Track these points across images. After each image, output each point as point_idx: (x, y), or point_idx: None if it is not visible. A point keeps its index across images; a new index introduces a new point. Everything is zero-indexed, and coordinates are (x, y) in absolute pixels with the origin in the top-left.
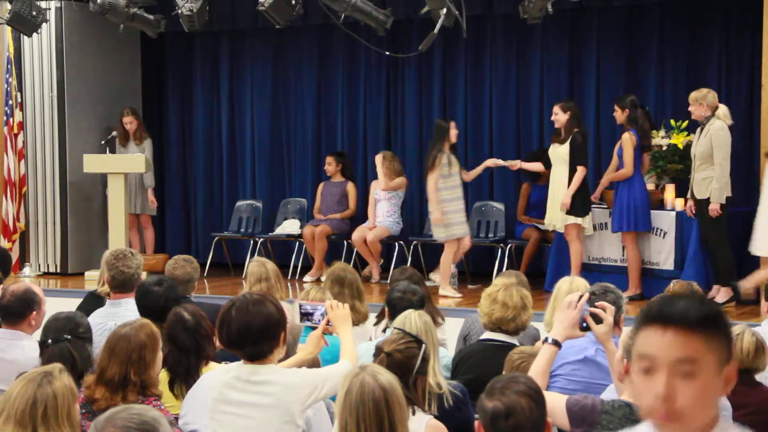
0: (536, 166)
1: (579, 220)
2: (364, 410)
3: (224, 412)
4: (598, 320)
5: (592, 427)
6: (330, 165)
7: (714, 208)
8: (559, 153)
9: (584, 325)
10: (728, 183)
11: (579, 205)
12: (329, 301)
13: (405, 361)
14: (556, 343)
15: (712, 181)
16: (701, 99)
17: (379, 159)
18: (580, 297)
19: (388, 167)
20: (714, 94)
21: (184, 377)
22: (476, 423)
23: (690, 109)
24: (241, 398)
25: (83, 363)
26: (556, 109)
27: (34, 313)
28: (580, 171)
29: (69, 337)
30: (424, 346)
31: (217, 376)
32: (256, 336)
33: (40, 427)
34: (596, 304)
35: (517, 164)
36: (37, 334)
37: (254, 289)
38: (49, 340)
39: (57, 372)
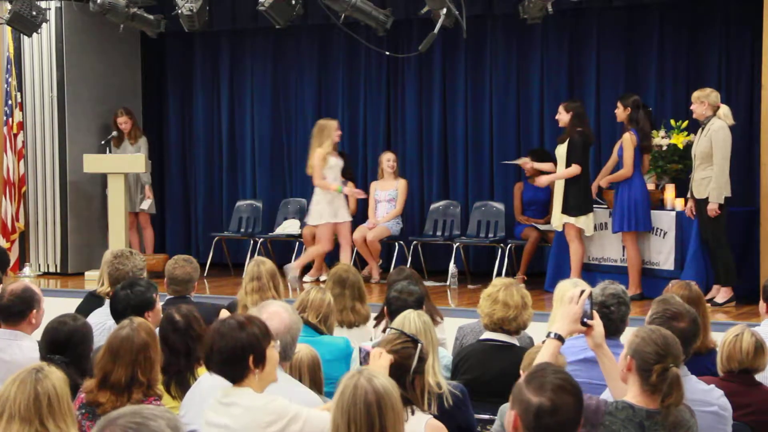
0: (547, 166)
1: (572, 220)
2: (355, 412)
3: None
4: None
5: (594, 428)
6: None
7: (712, 208)
8: (560, 152)
9: (584, 320)
10: (728, 183)
11: (573, 204)
12: (376, 349)
13: (401, 361)
14: (559, 338)
15: (711, 181)
16: (704, 98)
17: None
18: (582, 292)
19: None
20: (717, 94)
21: (176, 378)
22: (512, 413)
23: (692, 107)
24: (215, 420)
25: (81, 377)
26: (561, 108)
27: (34, 311)
28: (573, 168)
29: (64, 359)
30: (420, 345)
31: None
32: (218, 359)
33: (46, 419)
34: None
35: (527, 163)
36: (36, 334)
37: (248, 288)
38: (47, 356)
39: (47, 367)
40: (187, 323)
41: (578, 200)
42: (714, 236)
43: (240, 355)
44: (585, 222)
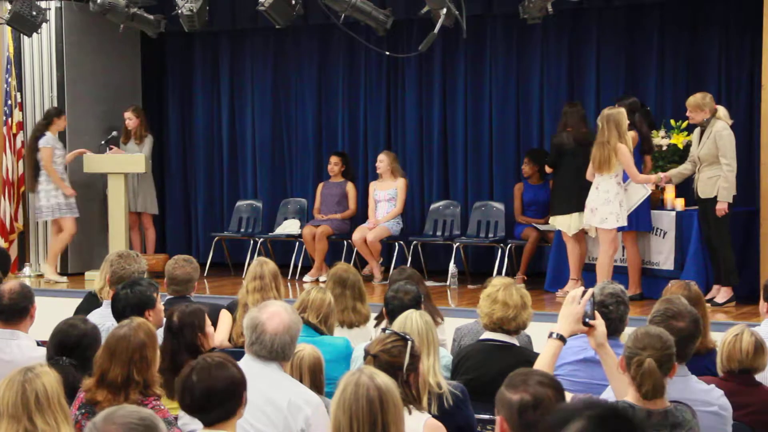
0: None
1: (550, 219)
2: (357, 408)
3: None
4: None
5: None
6: (336, 165)
7: (722, 207)
8: None
9: (586, 320)
10: (734, 182)
11: (553, 204)
12: None
13: (392, 360)
14: (561, 338)
15: (718, 180)
16: (702, 105)
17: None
18: (584, 292)
19: (392, 166)
20: (711, 97)
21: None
22: (498, 418)
23: (690, 115)
24: None
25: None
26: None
27: (35, 305)
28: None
29: (72, 361)
30: (410, 342)
31: None
32: (222, 397)
33: (35, 415)
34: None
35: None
36: (36, 334)
37: (249, 287)
38: (54, 357)
39: (39, 367)
40: (181, 327)
41: (557, 200)
42: (718, 236)
43: (239, 392)
44: (563, 222)
